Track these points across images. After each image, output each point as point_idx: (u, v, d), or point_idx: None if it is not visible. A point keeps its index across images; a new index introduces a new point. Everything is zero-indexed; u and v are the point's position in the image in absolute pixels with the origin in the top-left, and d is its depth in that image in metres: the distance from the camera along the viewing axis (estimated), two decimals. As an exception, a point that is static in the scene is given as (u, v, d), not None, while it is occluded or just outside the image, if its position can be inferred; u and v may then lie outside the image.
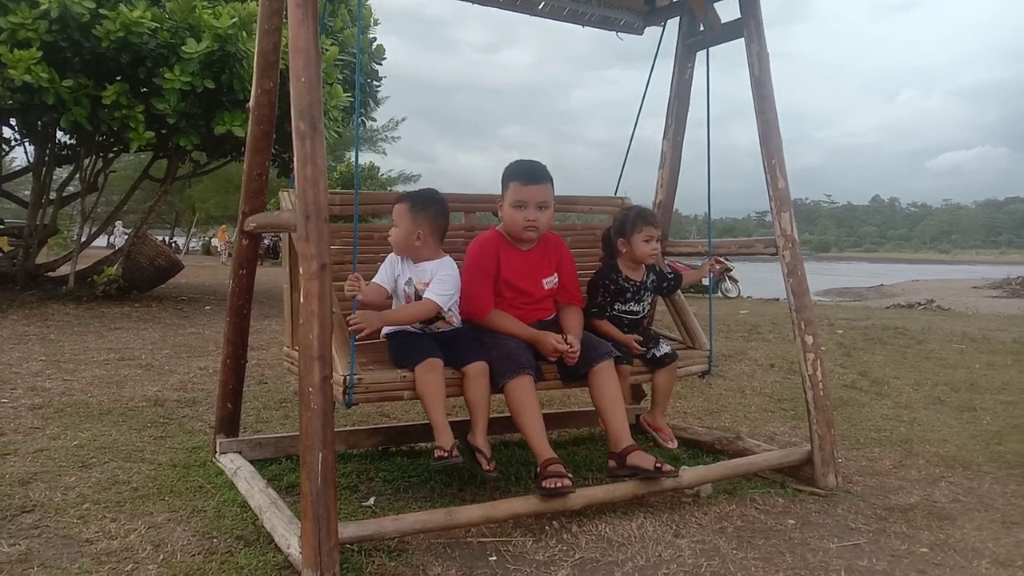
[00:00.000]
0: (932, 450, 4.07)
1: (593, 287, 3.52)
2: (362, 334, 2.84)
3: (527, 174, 3.14)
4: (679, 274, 3.81)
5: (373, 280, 3.02)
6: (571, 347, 3.03)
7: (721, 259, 4.00)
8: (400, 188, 36.93)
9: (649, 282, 3.59)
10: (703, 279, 3.95)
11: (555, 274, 3.29)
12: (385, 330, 3.11)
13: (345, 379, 2.73)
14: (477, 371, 2.94)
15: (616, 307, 3.49)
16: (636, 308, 3.54)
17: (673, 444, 3.54)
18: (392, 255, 3.10)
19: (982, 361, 7.13)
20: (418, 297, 3.01)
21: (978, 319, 12.42)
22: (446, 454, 2.78)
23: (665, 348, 3.44)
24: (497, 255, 3.17)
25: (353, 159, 32.03)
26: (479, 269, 3.13)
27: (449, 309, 3.05)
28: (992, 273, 48.57)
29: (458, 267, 3.13)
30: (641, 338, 3.42)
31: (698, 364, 3.67)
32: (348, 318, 2.84)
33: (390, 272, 3.06)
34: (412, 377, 2.85)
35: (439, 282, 3.01)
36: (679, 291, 3.82)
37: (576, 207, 4.02)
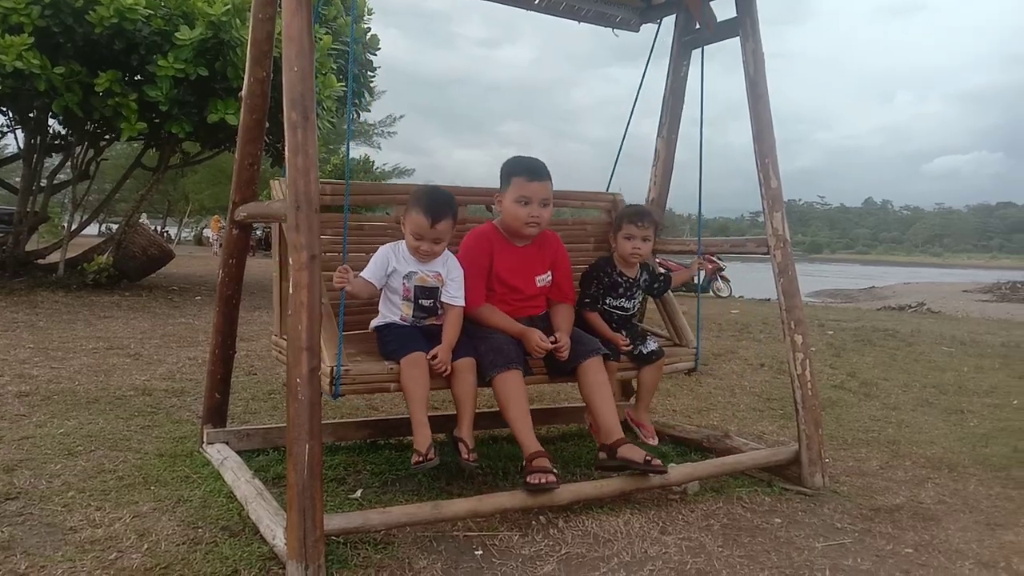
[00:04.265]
0: (919, 451, 4.09)
1: (587, 278, 3.54)
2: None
3: (532, 170, 3.16)
4: (669, 275, 3.84)
5: (361, 274, 3.01)
6: (557, 343, 3.07)
7: (713, 258, 4.01)
8: (394, 182, 36.91)
9: (642, 280, 3.63)
10: (692, 277, 4.00)
11: (549, 272, 3.31)
12: (374, 322, 3.14)
13: (332, 370, 2.74)
14: (465, 366, 2.95)
15: (608, 301, 3.52)
16: (627, 305, 3.57)
17: (653, 440, 3.59)
18: (386, 248, 3.07)
19: (970, 364, 7.17)
20: (420, 292, 3.02)
21: (967, 322, 12.48)
22: (422, 459, 2.76)
23: (652, 345, 3.48)
24: (491, 250, 3.18)
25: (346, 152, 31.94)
26: (473, 263, 3.15)
27: None
28: (983, 277, 48.82)
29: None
30: (628, 339, 3.44)
31: (685, 361, 3.72)
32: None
33: (381, 267, 3.04)
34: (398, 369, 2.86)
35: (456, 283, 3.06)
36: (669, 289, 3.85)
37: (569, 202, 4.05)
